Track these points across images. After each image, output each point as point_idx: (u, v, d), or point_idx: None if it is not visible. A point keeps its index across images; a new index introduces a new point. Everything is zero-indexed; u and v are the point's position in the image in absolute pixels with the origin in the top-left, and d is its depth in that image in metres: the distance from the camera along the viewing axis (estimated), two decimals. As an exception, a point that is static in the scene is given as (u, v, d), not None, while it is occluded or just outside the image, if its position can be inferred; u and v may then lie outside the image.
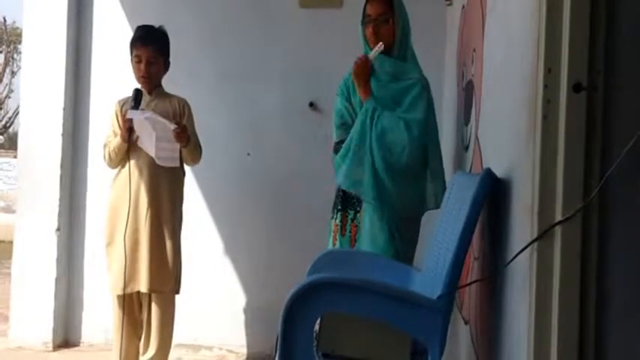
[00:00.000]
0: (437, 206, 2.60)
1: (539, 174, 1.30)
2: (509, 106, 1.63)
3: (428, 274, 1.97)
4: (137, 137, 2.96)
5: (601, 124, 1.28)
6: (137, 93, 2.99)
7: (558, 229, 1.26)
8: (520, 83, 1.50)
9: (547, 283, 1.27)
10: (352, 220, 2.61)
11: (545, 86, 1.31)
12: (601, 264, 1.26)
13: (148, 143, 2.93)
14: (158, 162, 2.95)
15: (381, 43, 2.56)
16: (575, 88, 1.27)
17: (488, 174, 1.70)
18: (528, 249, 1.33)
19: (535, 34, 1.35)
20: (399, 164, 2.48)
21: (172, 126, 2.90)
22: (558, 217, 1.26)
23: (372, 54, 2.57)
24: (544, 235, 1.27)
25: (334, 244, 2.63)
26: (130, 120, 2.91)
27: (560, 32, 1.30)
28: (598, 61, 1.28)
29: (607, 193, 1.26)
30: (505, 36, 1.76)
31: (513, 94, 1.58)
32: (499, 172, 1.70)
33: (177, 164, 3.02)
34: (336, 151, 2.66)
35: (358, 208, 2.61)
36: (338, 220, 2.64)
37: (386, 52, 2.59)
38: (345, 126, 2.65)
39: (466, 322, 2.24)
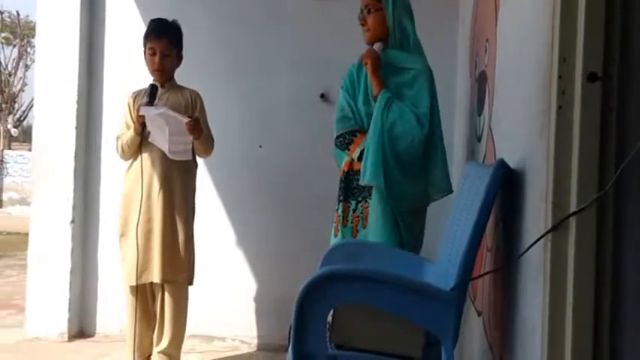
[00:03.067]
0: (441, 196, 2.60)
1: (554, 164, 1.29)
2: (522, 96, 1.62)
3: (441, 265, 1.96)
4: (149, 133, 2.97)
5: (616, 114, 1.27)
6: (153, 88, 3.00)
7: (573, 220, 1.25)
8: (534, 73, 1.49)
9: (561, 274, 1.26)
10: (354, 211, 2.63)
11: (560, 76, 1.29)
12: (616, 255, 1.25)
13: (160, 138, 2.94)
14: (171, 156, 2.96)
15: (379, 43, 2.61)
16: (590, 77, 1.26)
17: (502, 164, 1.69)
18: (542, 240, 1.32)
19: (549, 23, 1.34)
20: (407, 155, 2.49)
21: (185, 119, 2.91)
22: (573, 208, 1.25)
23: (377, 45, 2.62)
24: (559, 226, 1.26)
25: (336, 235, 2.65)
26: (143, 115, 2.92)
27: (575, 21, 1.28)
28: (613, 50, 1.26)
29: (622, 184, 1.25)
30: (519, 25, 1.74)
31: (527, 84, 1.56)
32: (512, 162, 1.69)
33: (190, 157, 3.03)
34: (337, 145, 2.68)
35: (360, 199, 2.61)
36: (340, 211, 2.66)
37: (382, 42, 2.63)
38: (345, 119, 2.67)
39: (479, 314, 2.23)
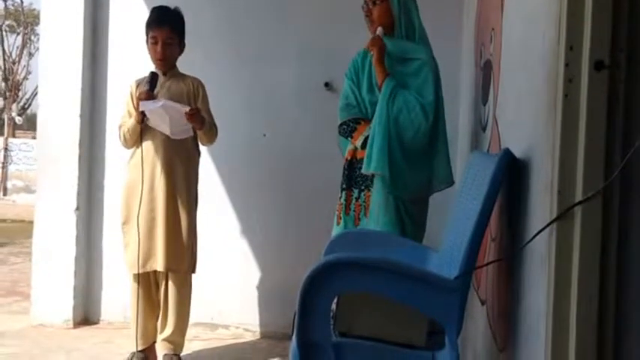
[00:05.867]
0: (443, 187, 2.61)
1: (560, 154, 1.28)
2: (528, 85, 1.61)
3: (445, 254, 1.96)
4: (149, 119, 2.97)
5: (623, 103, 1.26)
6: (153, 76, 3.00)
7: (578, 209, 1.25)
8: (540, 61, 1.48)
9: (566, 263, 1.26)
10: (357, 199, 2.63)
11: (567, 64, 1.28)
12: (621, 244, 1.25)
13: (162, 125, 2.95)
14: (172, 136, 2.96)
15: (380, 27, 2.60)
16: (597, 66, 1.25)
17: (507, 154, 1.68)
18: (547, 229, 1.31)
19: (556, 11, 1.33)
20: (412, 145, 2.50)
21: (185, 108, 2.91)
22: (579, 197, 1.25)
23: (380, 30, 2.61)
24: (564, 215, 1.26)
25: (338, 223, 2.66)
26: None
27: (583, 9, 1.27)
28: (621, 38, 1.26)
29: (628, 173, 1.24)
30: (525, 14, 1.73)
31: (533, 73, 1.56)
32: (518, 151, 1.69)
33: (191, 134, 3.02)
34: (340, 132, 2.69)
35: (363, 187, 2.62)
36: (342, 199, 2.66)
37: (387, 32, 2.63)
38: (348, 107, 2.68)
39: (483, 303, 2.24)
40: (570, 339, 1.26)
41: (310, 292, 1.57)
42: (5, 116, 21.86)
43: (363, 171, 2.56)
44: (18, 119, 22.47)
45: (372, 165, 2.51)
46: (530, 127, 1.59)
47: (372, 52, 2.60)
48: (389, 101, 2.51)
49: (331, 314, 1.74)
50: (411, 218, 2.56)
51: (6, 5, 23.55)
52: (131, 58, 3.71)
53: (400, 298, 1.64)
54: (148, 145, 3.00)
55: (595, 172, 1.25)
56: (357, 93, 2.69)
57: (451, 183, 2.62)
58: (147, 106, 2.89)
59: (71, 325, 3.74)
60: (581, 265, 1.24)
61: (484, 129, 2.45)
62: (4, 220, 10.56)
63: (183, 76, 3.12)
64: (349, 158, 2.70)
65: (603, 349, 1.25)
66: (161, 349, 3.08)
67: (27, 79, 23.78)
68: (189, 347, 3.26)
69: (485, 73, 2.48)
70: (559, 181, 1.28)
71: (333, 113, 2.79)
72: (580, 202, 1.24)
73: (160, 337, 3.08)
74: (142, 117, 2.95)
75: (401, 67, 2.60)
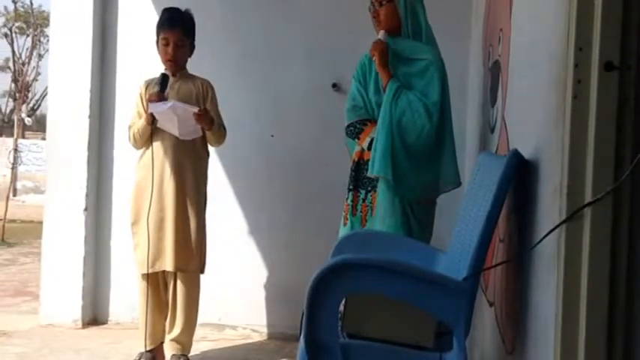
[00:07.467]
0: (450, 188, 2.60)
1: (569, 155, 1.28)
2: (537, 86, 1.61)
3: (453, 255, 1.96)
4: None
5: (633, 103, 1.25)
6: (163, 77, 3.01)
7: (588, 211, 1.24)
8: (549, 62, 1.47)
9: (576, 265, 1.25)
10: (363, 200, 2.63)
11: (576, 65, 1.28)
12: (632, 245, 1.24)
13: (170, 127, 2.96)
14: (181, 137, 2.97)
15: (382, 31, 2.61)
16: (607, 67, 1.25)
17: (516, 155, 1.68)
18: (557, 230, 1.31)
19: (566, 12, 1.32)
20: (416, 146, 2.49)
21: (194, 109, 2.92)
22: (588, 199, 1.24)
23: (382, 34, 2.62)
24: (573, 217, 1.26)
25: (345, 224, 2.66)
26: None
27: (592, 9, 1.27)
28: (631, 39, 1.25)
29: (639, 174, 1.24)
30: (534, 14, 1.72)
31: (542, 74, 1.55)
32: (526, 153, 1.68)
33: (200, 134, 3.03)
34: (347, 134, 2.69)
35: (369, 188, 2.62)
36: (349, 200, 2.67)
37: (395, 33, 2.62)
38: (355, 109, 2.69)
39: (491, 304, 2.23)
40: (580, 341, 1.25)
41: (318, 293, 1.57)
42: (15, 117, 21.98)
43: (368, 174, 2.56)
44: (27, 120, 22.57)
45: (375, 168, 2.50)
46: (539, 128, 1.59)
47: (374, 58, 2.60)
48: (392, 103, 2.50)
49: (339, 315, 1.73)
50: (417, 220, 2.55)
51: (16, 7, 23.73)
52: (140, 59, 3.73)
53: (408, 300, 1.64)
54: (158, 146, 3.01)
55: (605, 174, 1.24)
56: (364, 94, 2.69)
57: (458, 184, 2.61)
58: (156, 108, 2.90)
59: (80, 325, 3.76)
60: (591, 266, 1.24)
61: (492, 130, 2.44)
62: (13, 221, 10.61)
63: (192, 78, 3.13)
64: (356, 159, 2.70)
65: (613, 351, 1.24)
66: (169, 350, 3.09)
67: (36, 80, 23.94)
68: (196, 348, 3.27)
69: (494, 73, 2.47)
70: (568, 182, 1.28)
71: (341, 114, 2.79)
72: (590, 204, 1.24)
73: (168, 338, 3.09)
74: (152, 118, 2.96)
75: (406, 67, 2.60)
